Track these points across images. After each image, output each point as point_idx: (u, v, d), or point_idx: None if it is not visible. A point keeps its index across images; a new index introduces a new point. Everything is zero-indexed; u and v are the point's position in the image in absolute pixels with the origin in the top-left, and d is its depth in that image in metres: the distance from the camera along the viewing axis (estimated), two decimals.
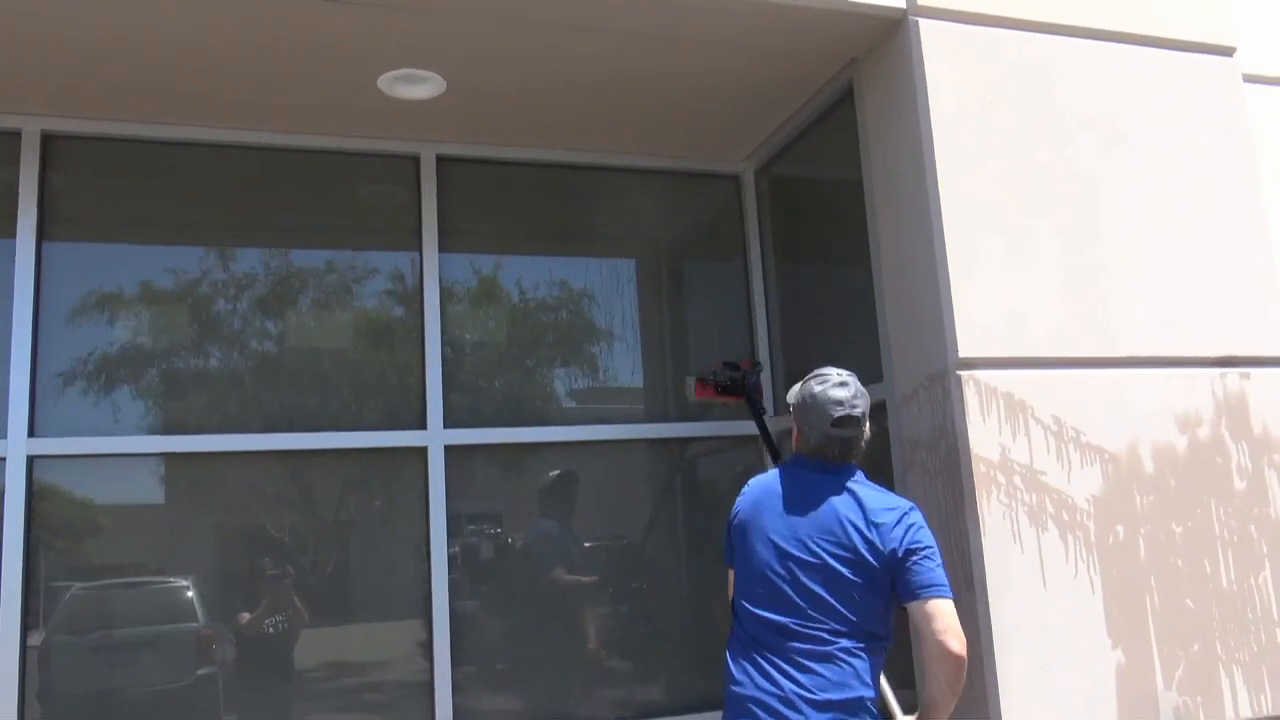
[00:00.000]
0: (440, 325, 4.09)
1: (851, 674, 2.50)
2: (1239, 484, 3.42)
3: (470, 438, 4.05)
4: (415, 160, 4.20)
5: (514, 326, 4.30)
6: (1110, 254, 3.45)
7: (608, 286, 4.45)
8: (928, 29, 3.38)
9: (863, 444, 2.72)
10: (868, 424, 2.73)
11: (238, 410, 3.89)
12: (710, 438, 4.43)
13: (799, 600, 2.55)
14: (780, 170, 4.47)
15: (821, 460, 2.69)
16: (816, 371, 2.76)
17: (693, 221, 4.67)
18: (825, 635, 2.52)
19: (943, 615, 2.50)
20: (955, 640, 2.48)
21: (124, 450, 3.71)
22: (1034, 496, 3.15)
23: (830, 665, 2.49)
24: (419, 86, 3.74)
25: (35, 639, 3.52)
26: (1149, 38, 3.69)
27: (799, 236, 4.36)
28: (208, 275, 3.96)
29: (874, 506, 2.60)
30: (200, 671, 3.69)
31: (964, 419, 3.13)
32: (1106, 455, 3.27)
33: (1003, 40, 3.48)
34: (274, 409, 3.92)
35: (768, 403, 4.40)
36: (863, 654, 2.53)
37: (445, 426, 4.01)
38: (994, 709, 2.98)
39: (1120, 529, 3.24)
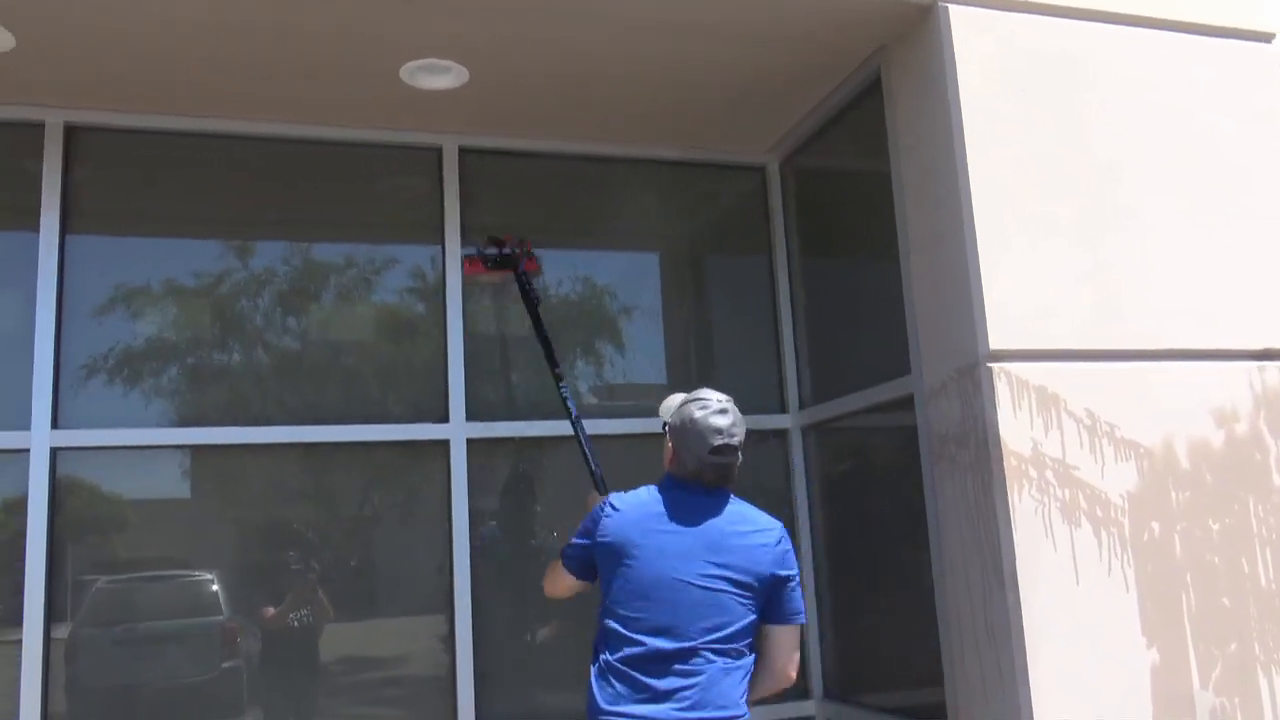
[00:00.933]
0: (462, 318, 4.07)
1: (732, 693, 2.51)
2: (1278, 480, 3.35)
3: (493, 431, 4.02)
4: (437, 152, 4.18)
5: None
6: (1145, 244, 3.38)
7: (631, 279, 4.42)
8: (957, 15, 3.33)
9: (737, 470, 2.71)
10: (741, 452, 2.73)
11: (260, 403, 3.88)
12: None
13: (685, 620, 2.52)
14: (806, 161, 4.41)
15: (697, 484, 2.68)
16: (696, 394, 2.75)
17: (717, 214, 4.63)
18: (709, 655, 2.50)
19: (798, 644, 2.65)
20: (796, 668, 2.64)
21: (147, 442, 3.71)
22: (1067, 492, 3.09)
23: (713, 685, 2.49)
24: (441, 77, 3.71)
25: (61, 632, 3.53)
26: (1183, 23, 3.62)
27: (825, 228, 4.31)
28: (230, 268, 3.95)
29: (754, 528, 2.63)
30: (225, 665, 3.70)
31: (995, 412, 3.07)
32: (1141, 450, 3.21)
33: (1033, 26, 3.42)
34: (296, 402, 3.92)
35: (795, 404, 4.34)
36: (741, 672, 2.54)
37: (468, 419, 3.99)
38: (1024, 706, 2.93)
39: (1155, 525, 3.17)
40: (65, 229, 3.74)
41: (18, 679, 3.41)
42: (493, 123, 4.13)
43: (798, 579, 2.64)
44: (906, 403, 3.56)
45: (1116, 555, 3.11)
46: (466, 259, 4.11)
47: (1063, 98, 3.40)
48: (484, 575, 3.95)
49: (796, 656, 2.63)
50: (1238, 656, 3.17)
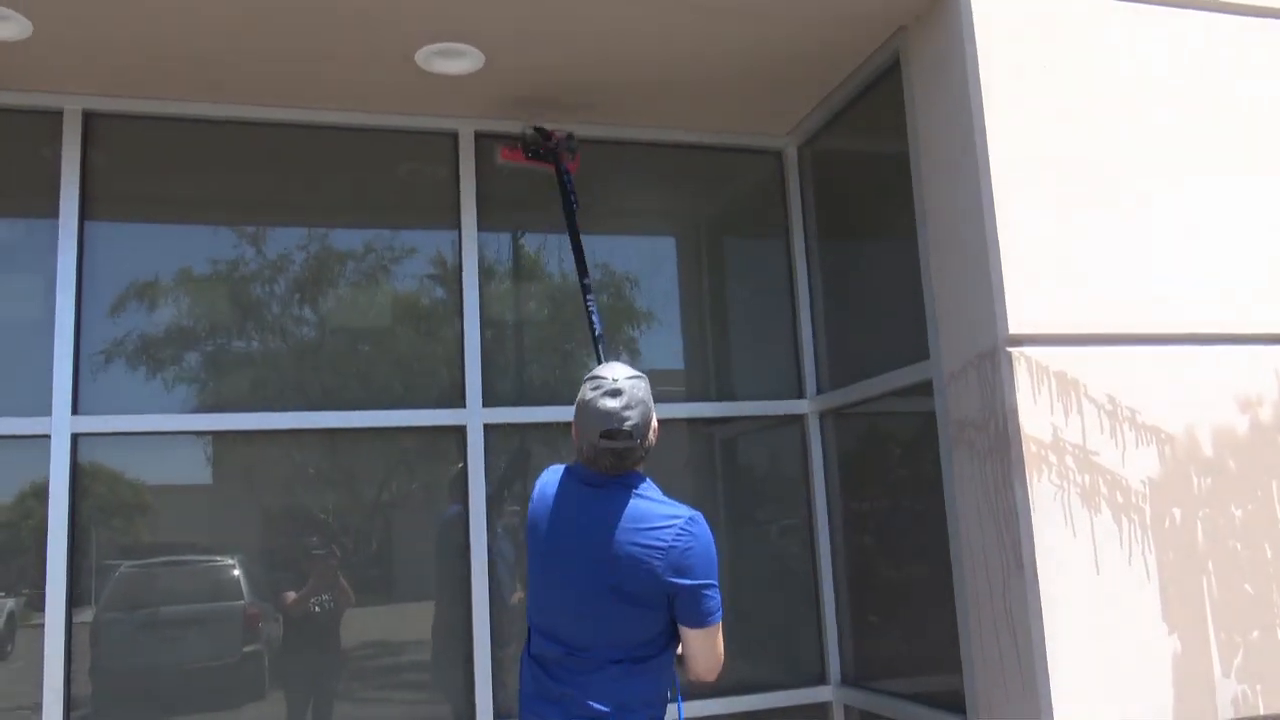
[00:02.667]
0: (479, 303, 4.07)
1: (629, 694, 2.38)
2: None
3: (510, 416, 4.02)
4: (454, 137, 4.17)
5: (554, 304, 4.26)
6: (1167, 226, 3.34)
7: (648, 264, 4.40)
8: None
9: (641, 453, 2.46)
10: (649, 433, 2.48)
11: (279, 388, 3.90)
12: (752, 417, 4.37)
13: (575, 629, 2.41)
14: (824, 144, 4.38)
15: (594, 472, 2.46)
16: (595, 371, 2.49)
17: (734, 198, 4.60)
18: (604, 661, 2.38)
19: (713, 647, 2.46)
20: (717, 668, 2.48)
21: (167, 428, 3.73)
22: (1087, 477, 3.07)
23: (606, 689, 2.37)
24: (457, 61, 3.70)
25: (84, 616, 3.57)
26: (1218, 2, 3.56)
27: (843, 212, 4.28)
28: (248, 254, 3.96)
29: (649, 530, 2.38)
30: (246, 649, 3.72)
31: (1014, 397, 3.05)
32: (1163, 435, 3.17)
33: (1055, 4, 3.37)
34: (315, 387, 3.93)
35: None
36: (647, 676, 2.41)
37: (484, 405, 3.99)
38: (1044, 694, 2.91)
39: (1177, 512, 3.14)
40: (84, 215, 3.76)
41: (41, 662, 3.44)
42: (509, 107, 4.11)
43: (706, 581, 2.39)
44: (925, 388, 3.53)
45: (1137, 541, 3.08)
46: (505, 146, 3.99)
47: (1085, 78, 3.35)
48: (501, 558, 3.96)
49: (712, 659, 2.45)
50: (1260, 644, 3.14)
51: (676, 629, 2.45)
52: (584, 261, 3.72)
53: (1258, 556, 3.20)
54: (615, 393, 2.41)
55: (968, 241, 3.26)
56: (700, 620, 2.41)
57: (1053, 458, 3.04)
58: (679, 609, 2.40)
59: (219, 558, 3.79)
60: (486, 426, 3.97)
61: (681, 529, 2.39)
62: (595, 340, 3.61)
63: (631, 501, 2.42)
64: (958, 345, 3.33)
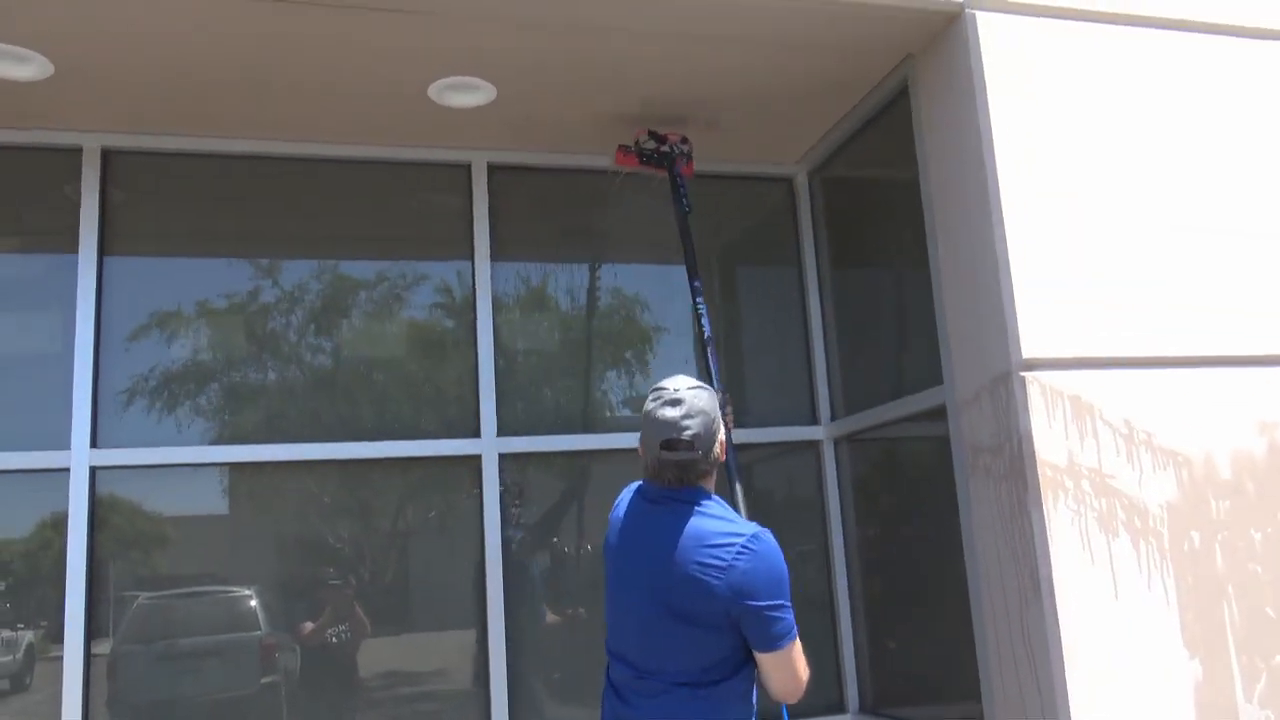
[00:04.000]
0: (493, 333, 4.09)
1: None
2: None
3: (524, 445, 4.03)
4: (467, 169, 4.21)
5: (567, 333, 4.28)
6: (1180, 249, 3.33)
7: (660, 292, 4.42)
8: (985, 21, 3.31)
9: (704, 466, 2.36)
10: (714, 444, 2.37)
11: (296, 420, 3.92)
12: (767, 444, 4.36)
13: (639, 651, 2.33)
14: (834, 172, 4.40)
15: (658, 485, 2.37)
16: (659, 383, 2.40)
17: (746, 225, 4.62)
18: (667, 684, 2.28)
19: (790, 667, 2.29)
20: (796, 692, 2.32)
21: (185, 460, 3.76)
22: (1103, 502, 3.05)
23: (669, 713, 2.27)
24: (469, 95, 3.74)
25: (102, 648, 3.58)
26: (1222, 26, 3.58)
27: (854, 238, 4.29)
28: (264, 287, 4.00)
29: (709, 551, 2.25)
30: (263, 680, 3.72)
31: (1029, 422, 3.04)
32: (1180, 459, 3.16)
33: (1061, 32, 3.39)
34: (331, 418, 3.95)
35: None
36: (709, 703, 2.28)
37: (499, 435, 4.00)
38: None
39: (1195, 535, 3.12)
40: (103, 251, 3.81)
41: (60, 695, 3.45)
42: (521, 139, 4.15)
43: (772, 602, 2.24)
44: (939, 413, 3.53)
45: (1156, 566, 3.06)
46: (620, 148, 3.97)
47: (1094, 102, 3.36)
48: (517, 590, 3.96)
49: (793, 679, 2.30)
50: None
51: (746, 654, 2.31)
52: (695, 264, 3.70)
53: (1278, 579, 3.17)
54: (675, 402, 2.33)
55: (979, 266, 3.27)
56: (770, 643, 2.25)
57: (1069, 482, 3.03)
58: (747, 632, 2.26)
59: (236, 589, 3.80)
60: (501, 456, 3.98)
61: (743, 547, 2.25)
62: (706, 342, 3.62)
63: (693, 519, 2.30)
64: (971, 370, 3.32)
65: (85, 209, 3.79)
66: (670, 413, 2.31)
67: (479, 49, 3.43)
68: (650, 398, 2.38)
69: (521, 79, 3.66)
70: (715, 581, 2.22)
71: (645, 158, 3.95)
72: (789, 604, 2.28)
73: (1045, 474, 3.01)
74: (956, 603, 3.45)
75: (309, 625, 3.80)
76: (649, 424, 2.35)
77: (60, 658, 3.49)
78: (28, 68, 3.37)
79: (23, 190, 3.81)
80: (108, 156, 3.88)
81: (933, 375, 3.56)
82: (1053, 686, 2.93)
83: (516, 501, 4.04)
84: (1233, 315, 3.34)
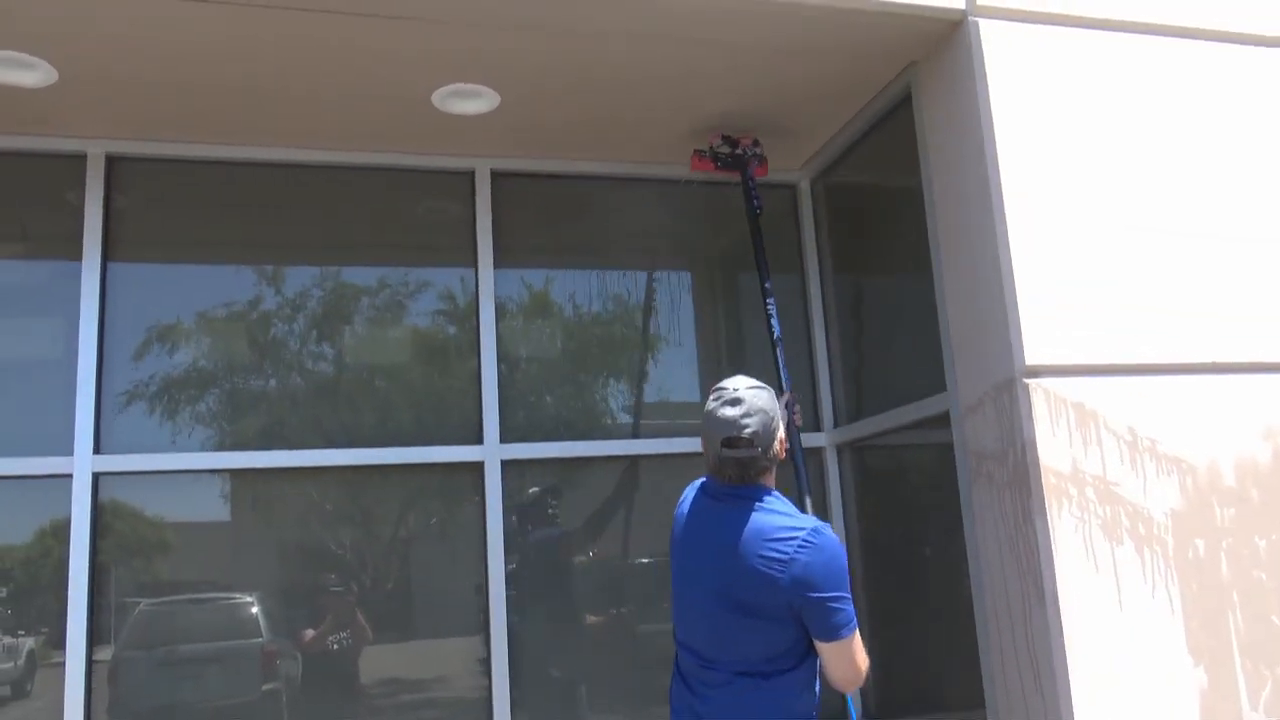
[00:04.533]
0: (495, 340, 4.09)
1: (762, 711, 2.35)
2: None
3: (527, 452, 4.03)
4: (470, 175, 4.21)
5: (569, 340, 4.28)
6: (1184, 257, 3.33)
7: (663, 299, 4.42)
8: (988, 29, 3.31)
9: (764, 463, 2.44)
10: (774, 442, 2.45)
11: (298, 427, 3.92)
12: None
13: (704, 641, 2.42)
14: (837, 178, 4.40)
15: (720, 482, 2.47)
16: (719, 383, 2.51)
17: (749, 231, 4.61)
18: (732, 674, 2.37)
19: (851, 656, 2.37)
20: (857, 680, 2.40)
21: (187, 467, 3.76)
22: (1108, 509, 3.04)
23: (734, 706, 2.36)
24: (472, 102, 3.75)
25: (103, 654, 3.57)
26: (1225, 33, 3.58)
27: (857, 245, 4.29)
28: (267, 294, 4.00)
29: (771, 544, 2.33)
30: (265, 687, 3.72)
31: (1033, 429, 3.03)
32: (1184, 466, 3.15)
33: (1064, 39, 3.39)
34: (333, 425, 3.95)
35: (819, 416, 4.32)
36: (773, 693, 2.36)
37: (502, 441, 4.00)
38: None
39: (1200, 543, 3.11)
40: (107, 257, 3.81)
41: (61, 701, 3.45)
42: (524, 146, 4.16)
43: (833, 593, 2.32)
44: (942, 420, 3.52)
45: (1160, 574, 3.05)
46: (696, 153, 4.02)
47: (1097, 109, 3.37)
48: (520, 597, 3.95)
49: (853, 668, 2.37)
50: None
51: (808, 644, 2.39)
52: (766, 265, 3.74)
53: None
54: (735, 401, 2.42)
55: (982, 273, 3.26)
56: (832, 633, 2.34)
57: (1072, 490, 3.02)
58: (809, 623, 2.34)
59: (238, 595, 3.79)
60: (504, 463, 3.98)
61: (804, 540, 2.33)
62: (774, 343, 3.66)
63: (754, 514, 2.40)
64: (975, 377, 3.32)
65: (89, 215, 3.79)
66: (730, 411, 2.41)
67: (482, 56, 3.44)
68: (711, 397, 2.49)
69: (524, 86, 3.67)
70: (778, 574, 2.31)
71: (720, 162, 4.00)
72: (849, 595, 2.37)
73: (1049, 481, 3.01)
74: (960, 610, 3.44)
75: (310, 632, 3.80)
76: (710, 423, 2.44)
77: (62, 664, 3.48)
78: (32, 74, 3.38)
79: (27, 196, 3.81)
80: (112, 163, 3.88)
81: (936, 382, 3.55)
82: (1056, 694, 2.92)
83: (533, 511, 4.04)
84: (1237, 322, 3.33)
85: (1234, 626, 3.08)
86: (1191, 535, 3.10)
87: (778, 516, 2.40)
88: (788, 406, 3.29)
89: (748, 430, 2.39)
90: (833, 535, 2.40)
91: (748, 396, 2.43)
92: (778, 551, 2.32)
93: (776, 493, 2.49)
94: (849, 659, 2.37)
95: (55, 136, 3.81)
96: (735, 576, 2.35)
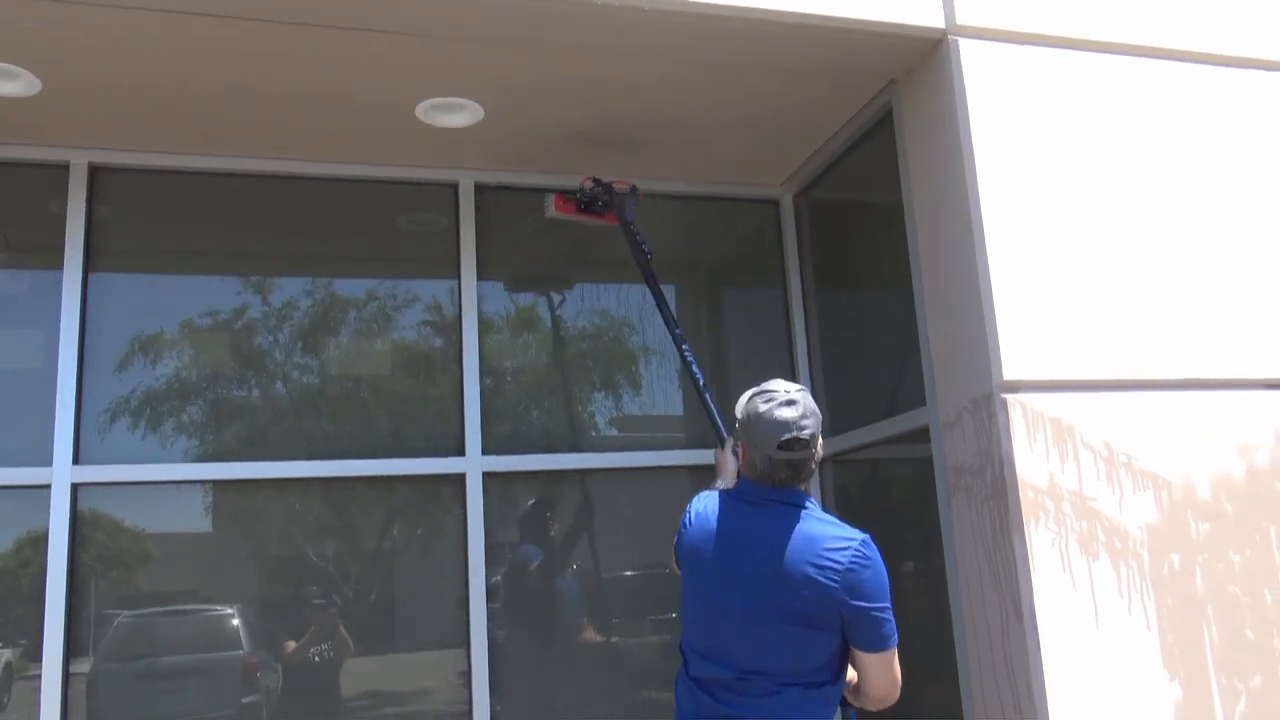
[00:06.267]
0: (479, 352, 4.09)
1: (813, 715, 2.33)
2: None
3: (509, 464, 4.03)
4: (454, 188, 4.22)
5: (552, 353, 4.29)
6: (1161, 274, 3.37)
7: (647, 313, 4.43)
8: (968, 49, 3.35)
9: (813, 465, 2.46)
10: (819, 445, 2.47)
11: (280, 438, 3.91)
12: None
13: (743, 651, 2.35)
14: (819, 194, 4.43)
15: (767, 486, 2.43)
16: (763, 386, 2.48)
17: (731, 246, 4.65)
18: (774, 684, 2.33)
19: (890, 668, 2.39)
20: (895, 693, 2.42)
21: (167, 478, 3.75)
22: (1084, 524, 3.07)
23: (778, 713, 2.32)
24: (457, 114, 3.76)
25: (82, 666, 3.55)
26: (1196, 54, 3.63)
27: (839, 260, 4.32)
28: (250, 305, 4.00)
29: (819, 552, 2.32)
30: (245, 699, 3.70)
31: (1010, 444, 3.06)
32: (1160, 481, 3.18)
33: (1044, 59, 3.43)
34: (316, 436, 3.94)
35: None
36: (819, 702, 2.35)
37: (484, 453, 4.00)
38: None
39: (1175, 558, 3.13)
40: (88, 267, 3.80)
41: (38, 715, 3.42)
42: (508, 159, 4.17)
43: (878, 605, 2.32)
44: (922, 434, 3.55)
45: (1136, 588, 3.07)
46: (559, 196, 3.84)
47: (1076, 129, 3.40)
48: (501, 610, 3.95)
49: (889, 684, 2.39)
50: (1262, 690, 3.12)
51: (846, 656, 2.40)
52: (669, 312, 3.59)
53: (1258, 602, 3.19)
54: (790, 403, 2.41)
55: (962, 289, 3.29)
56: (879, 644, 2.35)
57: (1050, 504, 3.05)
58: (855, 632, 2.34)
59: (218, 607, 3.78)
60: (486, 475, 3.98)
61: (857, 550, 2.34)
62: (701, 391, 3.53)
63: (802, 520, 2.38)
64: (953, 392, 3.35)
65: (71, 225, 3.78)
66: (788, 413, 2.38)
67: (466, 69, 3.45)
68: (760, 400, 2.44)
69: (509, 99, 3.68)
70: (832, 583, 2.30)
71: (584, 206, 3.82)
72: (892, 608, 2.38)
73: (1026, 496, 3.03)
74: (939, 624, 3.46)
75: (292, 644, 3.78)
76: (763, 424, 2.39)
77: (38, 676, 3.46)
78: (15, 84, 3.38)
79: (8, 206, 3.80)
80: (95, 173, 3.88)
81: (916, 397, 3.58)
82: (1034, 708, 2.93)
83: (501, 521, 4.04)
84: (1213, 338, 3.37)
85: (1209, 640, 3.11)
86: (1167, 550, 3.13)
87: (827, 526, 2.39)
88: (734, 453, 3.24)
89: (806, 432, 2.39)
90: (877, 548, 2.40)
91: (801, 399, 2.43)
92: (832, 561, 2.31)
93: (815, 499, 2.49)
94: (890, 670, 2.39)
95: (38, 146, 3.80)
96: (784, 583, 2.31)
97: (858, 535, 2.38)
